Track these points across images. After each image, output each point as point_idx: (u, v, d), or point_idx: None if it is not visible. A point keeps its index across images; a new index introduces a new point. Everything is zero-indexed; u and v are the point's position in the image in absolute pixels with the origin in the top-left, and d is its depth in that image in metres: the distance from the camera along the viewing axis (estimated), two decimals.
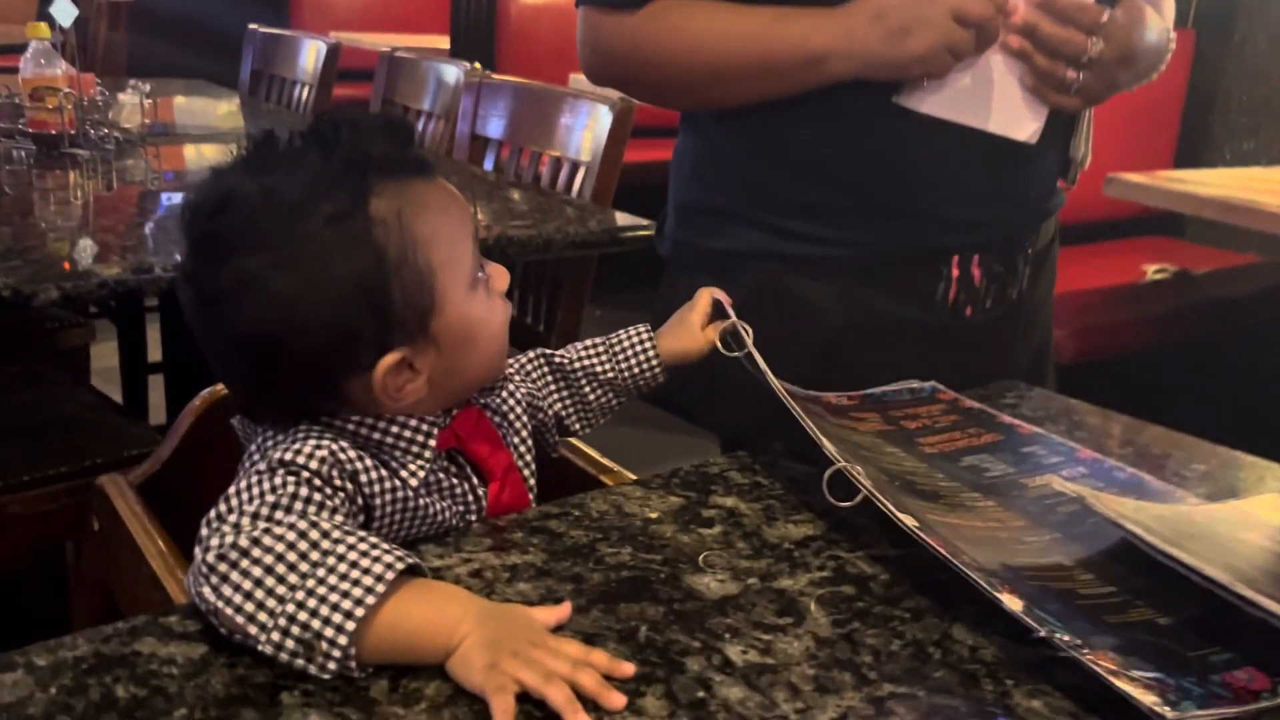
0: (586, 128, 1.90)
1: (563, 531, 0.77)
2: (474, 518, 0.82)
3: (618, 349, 0.96)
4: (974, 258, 1.10)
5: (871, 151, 1.06)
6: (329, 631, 0.58)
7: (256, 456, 0.72)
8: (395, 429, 0.76)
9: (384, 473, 0.73)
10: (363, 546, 0.61)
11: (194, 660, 0.60)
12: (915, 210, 1.07)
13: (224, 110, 2.72)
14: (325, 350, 0.71)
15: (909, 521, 0.71)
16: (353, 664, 0.59)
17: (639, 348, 0.95)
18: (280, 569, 0.60)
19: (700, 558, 0.74)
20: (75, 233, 1.46)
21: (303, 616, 0.58)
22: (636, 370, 0.95)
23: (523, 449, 0.87)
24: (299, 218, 0.69)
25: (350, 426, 0.75)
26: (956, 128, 1.03)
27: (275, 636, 0.59)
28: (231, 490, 0.67)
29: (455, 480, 0.81)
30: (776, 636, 0.66)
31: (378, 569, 0.60)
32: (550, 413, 0.94)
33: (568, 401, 0.96)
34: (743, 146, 1.10)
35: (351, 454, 0.71)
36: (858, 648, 0.66)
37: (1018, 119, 1.04)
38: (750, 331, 0.91)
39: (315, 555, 0.61)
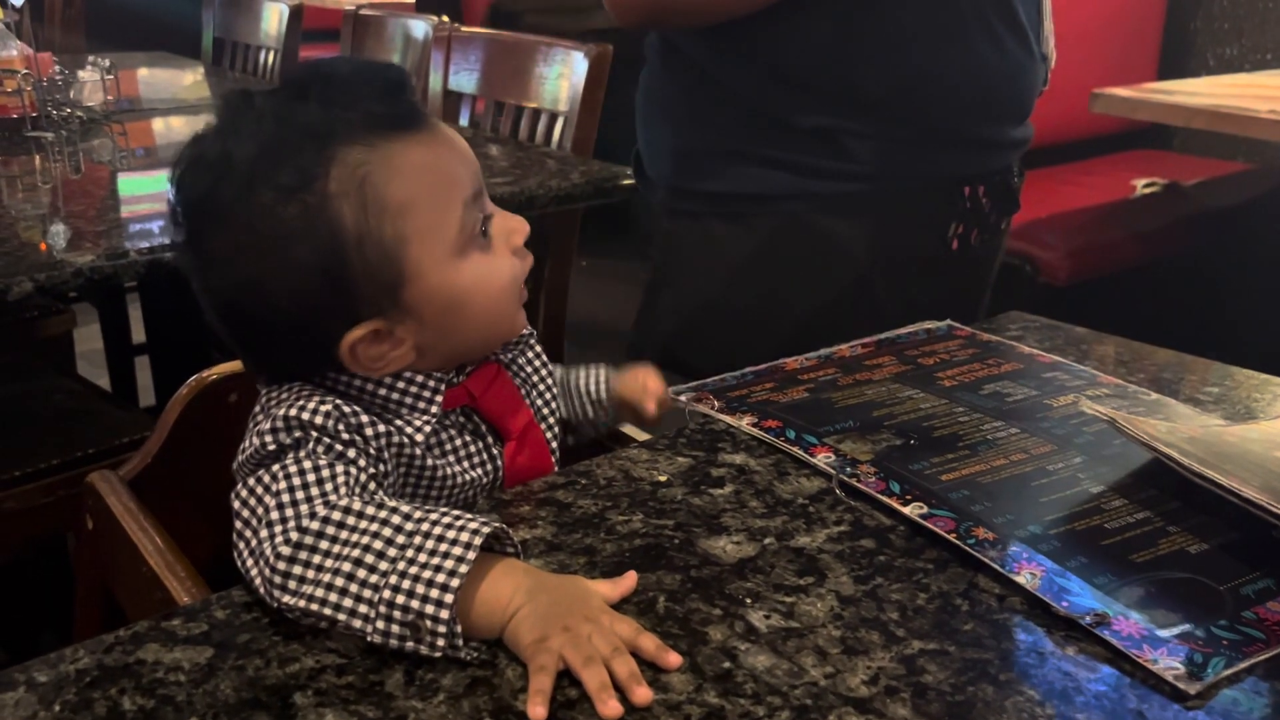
0: (562, 76, 1.86)
1: (570, 501, 0.75)
2: (489, 479, 0.80)
3: (572, 388, 0.94)
4: (980, 188, 1.11)
5: (897, 63, 1.00)
6: (430, 609, 0.57)
7: (260, 415, 0.70)
8: (401, 384, 0.74)
9: (389, 428, 0.71)
10: (446, 520, 0.60)
11: (200, 665, 0.58)
12: (939, 128, 1.04)
13: (189, 81, 2.65)
14: (296, 323, 0.69)
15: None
16: (459, 641, 0.57)
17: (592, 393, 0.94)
18: (368, 557, 0.59)
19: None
20: (46, 220, 1.42)
21: (400, 599, 0.57)
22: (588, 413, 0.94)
23: (545, 410, 0.85)
24: (254, 189, 0.67)
25: (356, 383, 0.73)
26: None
27: (380, 625, 0.57)
28: (249, 469, 0.66)
29: (469, 438, 0.79)
30: (799, 598, 0.64)
31: (464, 537, 0.59)
32: None
33: None
34: (753, 75, 1.04)
35: (356, 408, 0.70)
36: (883, 604, 0.64)
37: None
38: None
39: (399, 538, 0.59)
